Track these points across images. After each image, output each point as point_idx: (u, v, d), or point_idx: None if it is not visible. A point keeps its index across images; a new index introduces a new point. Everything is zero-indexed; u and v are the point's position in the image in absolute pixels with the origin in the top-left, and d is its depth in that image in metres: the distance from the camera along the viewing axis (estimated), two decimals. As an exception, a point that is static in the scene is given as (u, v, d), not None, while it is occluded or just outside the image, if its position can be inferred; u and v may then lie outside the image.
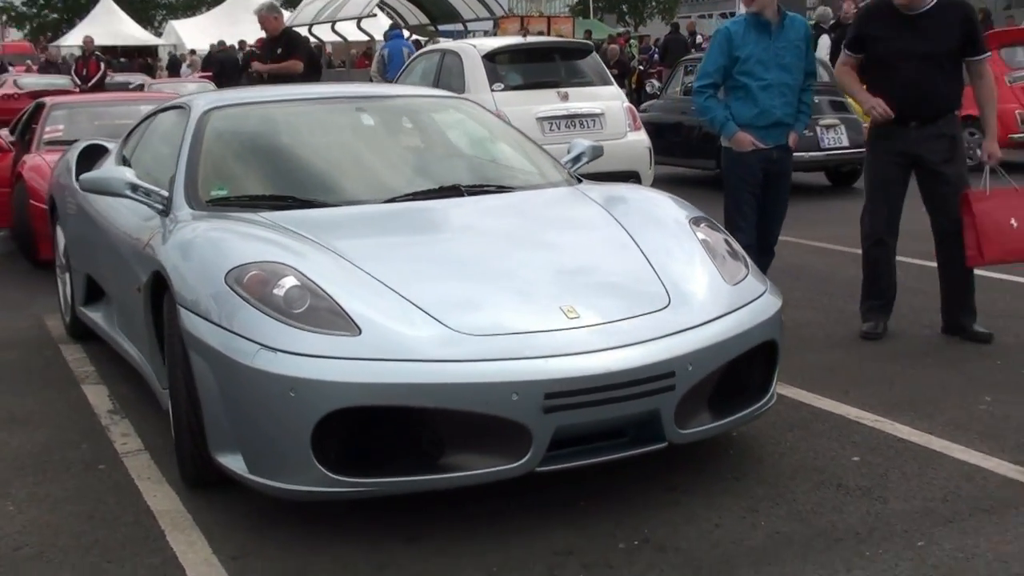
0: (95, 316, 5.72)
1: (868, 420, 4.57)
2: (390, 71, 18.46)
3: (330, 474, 3.38)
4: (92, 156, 5.99)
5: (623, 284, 3.96)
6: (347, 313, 3.52)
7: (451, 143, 5.36)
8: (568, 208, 4.64)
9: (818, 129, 11.50)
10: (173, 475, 4.13)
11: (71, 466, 4.34)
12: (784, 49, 5.61)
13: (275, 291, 3.59)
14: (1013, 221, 5.56)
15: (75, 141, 9.05)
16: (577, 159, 5.28)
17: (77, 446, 4.57)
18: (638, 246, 4.18)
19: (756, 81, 5.58)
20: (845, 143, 11.67)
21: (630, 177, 9.38)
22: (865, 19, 5.73)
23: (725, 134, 5.72)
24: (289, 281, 3.62)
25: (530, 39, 11.93)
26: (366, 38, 28.72)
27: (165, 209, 4.50)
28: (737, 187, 5.80)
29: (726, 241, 4.39)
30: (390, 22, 26.38)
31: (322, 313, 3.53)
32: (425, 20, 26.67)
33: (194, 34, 37.11)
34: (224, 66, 24.78)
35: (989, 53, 5.70)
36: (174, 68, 31.47)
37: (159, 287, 4.14)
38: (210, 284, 3.70)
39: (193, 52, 32.23)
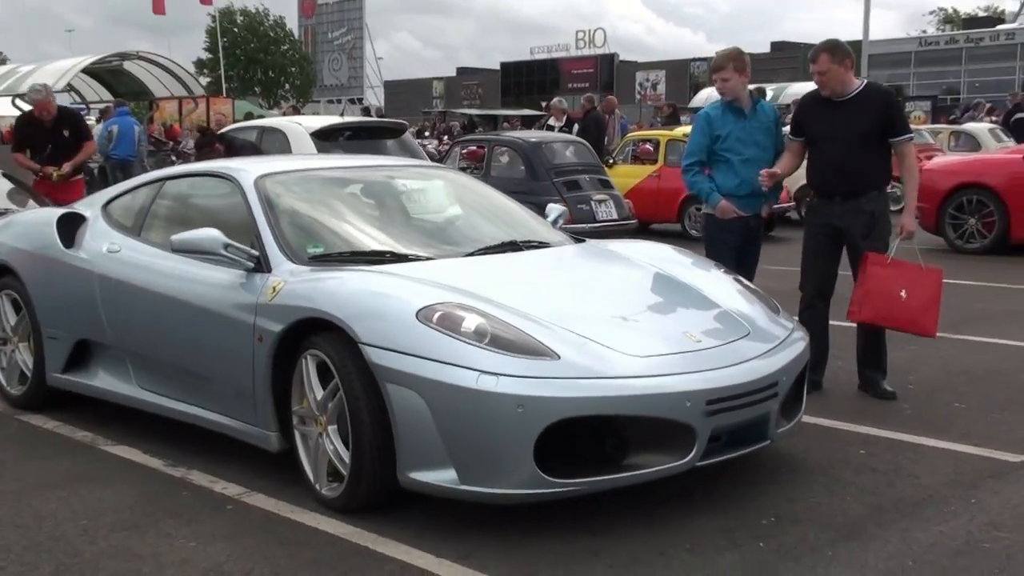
0: (92, 381, 5.82)
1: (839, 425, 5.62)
2: (119, 148, 18.36)
3: (547, 477, 3.96)
4: (69, 224, 6.08)
5: (708, 315, 4.79)
6: (540, 342, 4.13)
7: (473, 206, 5.99)
8: (609, 259, 5.43)
9: (592, 203, 12.82)
10: (309, 505, 4.49)
11: (200, 509, 4.55)
12: (757, 129, 6.51)
13: (464, 327, 4.14)
14: (903, 292, 6.04)
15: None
16: (555, 221, 6.07)
17: (177, 494, 4.75)
18: (692, 286, 5.03)
19: (737, 156, 6.42)
20: (615, 216, 13.02)
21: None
22: (801, 107, 6.54)
23: (711, 203, 6.48)
24: (474, 318, 4.18)
25: (348, 118, 12.46)
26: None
27: (259, 266, 4.85)
28: (720, 250, 6.48)
29: (737, 280, 5.31)
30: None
31: (513, 343, 4.11)
32: (109, 97, 26.54)
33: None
34: None
35: (911, 134, 6.31)
36: None
37: (295, 335, 4.51)
38: (402, 324, 4.17)
39: None
